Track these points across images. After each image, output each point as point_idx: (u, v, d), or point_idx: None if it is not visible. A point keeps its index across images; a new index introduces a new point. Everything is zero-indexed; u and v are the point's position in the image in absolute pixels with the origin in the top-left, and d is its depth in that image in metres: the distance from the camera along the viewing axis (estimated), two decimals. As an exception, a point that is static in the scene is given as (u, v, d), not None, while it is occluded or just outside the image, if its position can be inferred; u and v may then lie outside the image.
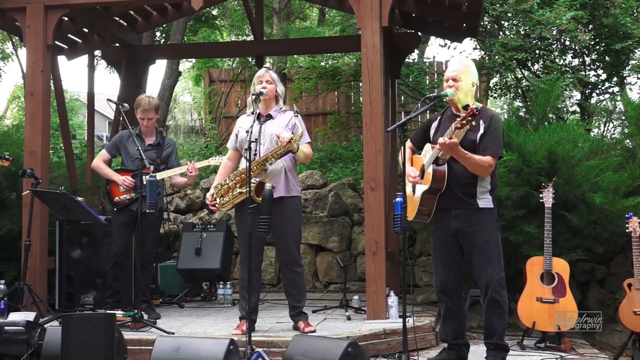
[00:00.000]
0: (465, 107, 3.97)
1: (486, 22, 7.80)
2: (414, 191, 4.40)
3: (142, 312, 5.19)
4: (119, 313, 5.11)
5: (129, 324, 4.98)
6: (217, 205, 4.94)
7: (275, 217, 4.67)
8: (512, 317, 5.21)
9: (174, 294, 6.78)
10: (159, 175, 5.54)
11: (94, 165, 5.93)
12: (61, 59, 7.77)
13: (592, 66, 7.71)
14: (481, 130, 4.19)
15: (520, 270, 5.37)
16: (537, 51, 7.29)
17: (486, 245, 4.22)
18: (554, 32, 6.94)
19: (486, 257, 4.22)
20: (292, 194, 4.92)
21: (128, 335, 4.68)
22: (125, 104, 5.59)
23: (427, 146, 4.37)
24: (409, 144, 4.54)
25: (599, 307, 5.92)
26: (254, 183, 4.66)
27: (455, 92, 4.26)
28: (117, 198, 5.74)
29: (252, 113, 4.92)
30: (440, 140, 4.06)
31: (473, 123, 3.98)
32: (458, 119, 3.98)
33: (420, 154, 4.48)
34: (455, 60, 4.51)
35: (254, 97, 4.83)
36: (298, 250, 5.06)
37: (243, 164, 4.92)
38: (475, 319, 5.87)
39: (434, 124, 4.48)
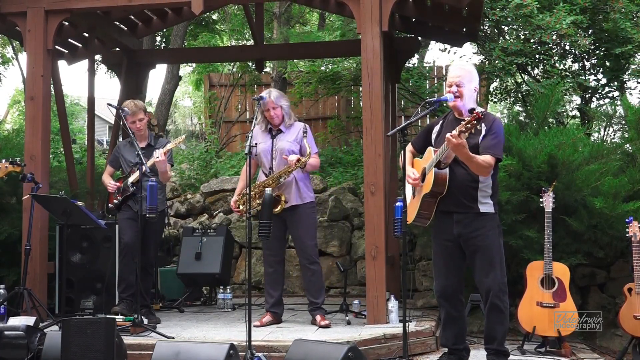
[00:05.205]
0: (471, 110, 3.98)
1: (486, 27, 7.80)
2: (414, 194, 4.40)
3: (142, 317, 5.18)
4: (119, 318, 5.10)
5: (129, 328, 4.99)
6: (240, 211, 5.43)
7: (290, 223, 5.37)
8: (512, 321, 5.19)
9: (174, 299, 6.78)
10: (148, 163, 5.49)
11: (102, 181, 5.99)
12: (61, 64, 7.78)
13: (592, 71, 7.70)
14: (483, 133, 4.19)
15: (521, 274, 5.36)
16: (537, 56, 7.28)
17: (488, 250, 4.22)
18: (554, 37, 6.94)
19: (488, 262, 4.22)
20: (304, 201, 5.37)
21: (128, 339, 4.69)
22: (126, 109, 5.63)
23: (429, 149, 4.37)
24: (409, 147, 4.54)
25: (599, 311, 5.92)
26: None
27: (460, 99, 4.25)
28: (110, 204, 5.85)
29: (265, 129, 5.43)
30: (448, 135, 4.00)
31: (478, 127, 3.98)
32: (463, 123, 3.96)
33: (421, 158, 4.48)
34: (457, 66, 4.49)
35: (254, 100, 4.97)
36: (314, 250, 5.46)
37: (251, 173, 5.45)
38: (476, 324, 5.87)
39: (436, 128, 4.47)
